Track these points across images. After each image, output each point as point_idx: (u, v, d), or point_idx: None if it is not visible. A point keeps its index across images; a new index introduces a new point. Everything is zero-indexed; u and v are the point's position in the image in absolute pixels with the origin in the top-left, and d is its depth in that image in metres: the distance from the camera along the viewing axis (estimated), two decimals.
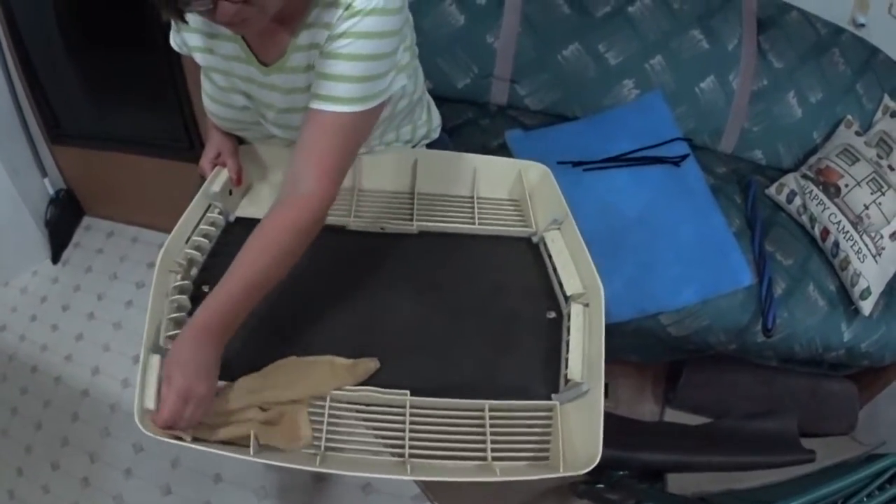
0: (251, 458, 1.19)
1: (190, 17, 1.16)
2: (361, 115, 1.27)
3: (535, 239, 1.60)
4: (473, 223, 1.61)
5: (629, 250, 2.17)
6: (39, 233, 3.16)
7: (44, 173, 3.11)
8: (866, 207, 2.27)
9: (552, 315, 1.47)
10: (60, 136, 2.97)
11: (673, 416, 2.68)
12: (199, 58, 1.41)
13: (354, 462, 1.25)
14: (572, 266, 1.49)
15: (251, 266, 1.22)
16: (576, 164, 2.28)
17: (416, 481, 2.40)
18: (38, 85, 2.81)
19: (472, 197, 1.69)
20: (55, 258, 3.24)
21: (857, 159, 2.37)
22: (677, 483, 2.26)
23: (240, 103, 1.44)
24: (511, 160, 1.71)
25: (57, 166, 3.16)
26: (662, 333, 2.24)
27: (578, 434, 1.27)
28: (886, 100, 2.61)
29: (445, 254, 1.56)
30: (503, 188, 1.71)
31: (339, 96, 1.24)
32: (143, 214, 3.19)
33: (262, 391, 1.27)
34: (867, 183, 2.30)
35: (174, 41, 1.47)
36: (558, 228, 1.57)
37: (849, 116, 2.56)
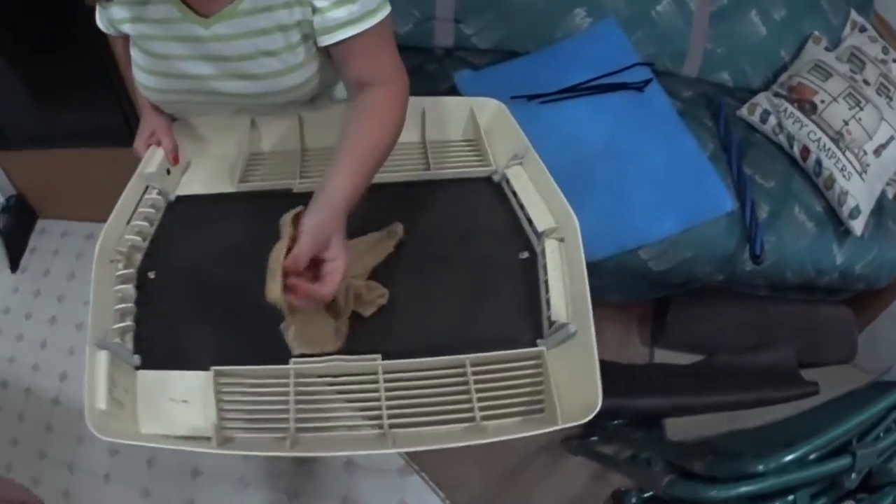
0: (215, 451, 1.16)
1: None
2: (385, 24, 1.30)
3: (496, 177, 1.53)
4: (427, 169, 1.54)
5: (599, 183, 2.07)
6: None
7: None
8: (846, 123, 2.21)
9: (525, 255, 1.40)
10: (4, 142, 2.92)
11: (663, 356, 2.65)
12: (129, 28, 1.35)
13: (330, 441, 1.21)
14: (540, 200, 1.43)
15: (366, 144, 1.28)
16: (531, 97, 2.18)
17: (399, 452, 2.42)
18: None
19: (423, 142, 1.62)
20: (13, 267, 3.20)
21: (831, 75, 2.31)
22: (676, 427, 2.19)
23: (176, 70, 1.39)
24: (461, 98, 1.64)
25: (5, 173, 3.12)
26: (643, 269, 2.16)
27: (573, 380, 1.21)
28: (853, 15, 2.58)
29: (401, 205, 1.49)
30: (455, 129, 1.64)
31: (362, 12, 1.26)
32: (94, 209, 3.04)
33: None
34: (844, 98, 2.25)
35: (101, 22, 1.41)
36: (520, 163, 1.51)
37: (816, 33, 2.52)
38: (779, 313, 2.51)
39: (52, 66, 2.57)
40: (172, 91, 1.44)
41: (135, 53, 1.40)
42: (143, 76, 1.42)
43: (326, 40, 1.29)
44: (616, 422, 2.29)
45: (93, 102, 2.63)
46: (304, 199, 1.31)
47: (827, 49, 2.46)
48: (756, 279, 2.27)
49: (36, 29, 2.46)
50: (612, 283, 2.31)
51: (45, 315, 3.02)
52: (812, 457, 1.44)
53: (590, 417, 1.12)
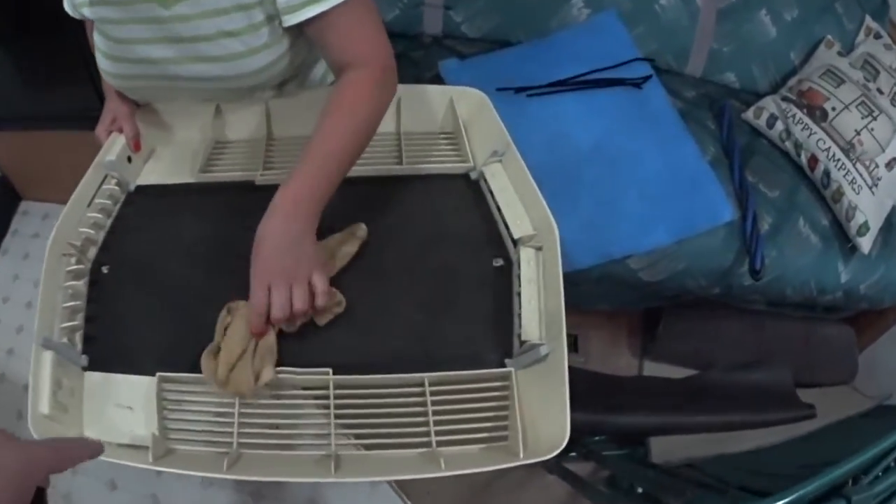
0: (149, 466, 1.10)
1: None
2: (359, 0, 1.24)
3: (473, 175, 1.43)
4: (400, 163, 1.44)
5: (586, 186, 1.97)
6: None
7: None
8: (857, 133, 2.12)
9: (499, 263, 1.30)
10: None
11: (652, 368, 2.55)
12: (88, 12, 1.32)
13: (270, 462, 1.13)
14: (519, 204, 1.33)
15: (332, 139, 1.19)
16: (518, 89, 2.06)
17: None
18: None
19: (397, 133, 1.52)
20: None
21: (843, 81, 2.23)
22: (661, 446, 2.11)
23: (137, 55, 1.34)
24: (440, 87, 1.53)
25: None
26: (633, 279, 2.07)
27: (540, 409, 1.13)
28: (868, 20, 2.49)
29: (369, 201, 1.39)
30: (433, 120, 1.54)
31: None
32: None
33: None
34: (856, 107, 2.16)
35: (67, 5, 1.39)
36: (499, 161, 1.40)
37: (829, 37, 2.43)
38: (776, 330, 2.43)
39: (37, 47, 2.55)
40: (134, 77, 1.39)
41: (96, 38, 1.36)
42: (104, 62, 1.38)
43: (291, 20, 1.23)
44: (596, 438, 2.20)
45: (77, 84, 2.58)
46: (267, 191, 1.26)
47: (840, 54, 2.37)
48: (753, 295, 2.19)
49: (19, 10, 2.43)
50: (600, 291, 2.23)
51: (22, 299, 2.98)
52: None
53: (554, 454, 1.04)
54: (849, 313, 2.42)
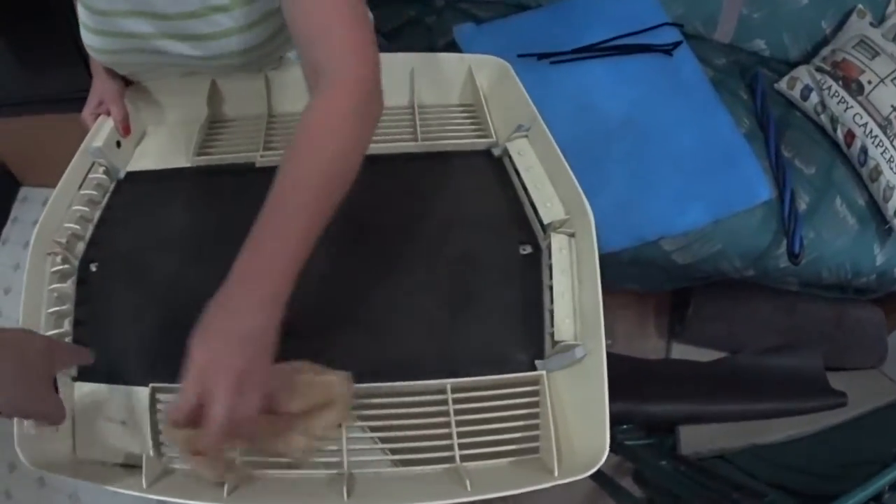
0: (142, 495, 1.02)
1: None
2: None
3: (496, 151, 1.35)
4: (415, 139, 1.35)
5: (615, 162, 1.87)
6: None
7: None
8: (894, 109, 2.02)
9: (527, 250, 1.22)
10: None
11: (680, 351, 2.47)
12: None
13: (273, 485, 1.05)
14: (548, 184, 1.24)
15: (301, 184, 0.94)
16: (541, 56, 1.98)
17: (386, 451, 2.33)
18: None
19: (412, 106, 1.43)
20: None
21: (878, 53, 2.12)
22: (691, 437, 2.05)
23: (120, 28, 1.27)
24: (458, 55, 1.43)
25: None
26: (665, 261, 1.98)
27: (576, 416, 1.06)
28: None
29: (380, 183, 1.27)
30: (451, 92, 1.44)
31: None
32: None
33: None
34: (892, 81, 2.05)
35: None
36: (525, 136, 1.31)
37: (860, 6, 2.30)
38: (808, 313, 2.35)
39: (34, 29, 2.51)
40: (120, 51, 1.32)
41: (80, 13, 1.30)
42: (88, 37, 1.31)
43: None
44: (624, 426, 2.13)
45: (72, 66, 2.47)
46: (268, 174, 1.16)
47: (872, 25, 2.26)
48: (789, 277, 2.09)
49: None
50: (627, 272, 2.16)
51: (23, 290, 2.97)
52: None
53: (592, 472, 0.98)
54: (878, 295, 2.33)
